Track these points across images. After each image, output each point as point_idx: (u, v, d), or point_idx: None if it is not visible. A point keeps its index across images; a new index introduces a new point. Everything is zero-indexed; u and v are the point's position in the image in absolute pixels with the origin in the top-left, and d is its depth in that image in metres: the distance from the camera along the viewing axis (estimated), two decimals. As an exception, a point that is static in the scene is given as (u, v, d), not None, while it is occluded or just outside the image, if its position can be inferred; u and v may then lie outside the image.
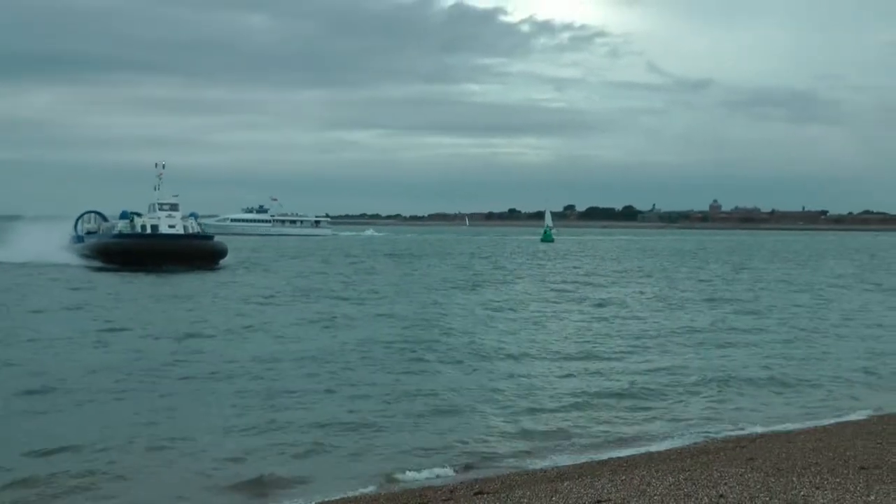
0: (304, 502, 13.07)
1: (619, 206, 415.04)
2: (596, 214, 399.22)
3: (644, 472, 12.30)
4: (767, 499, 10.07)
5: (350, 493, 13.37)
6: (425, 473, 14.50)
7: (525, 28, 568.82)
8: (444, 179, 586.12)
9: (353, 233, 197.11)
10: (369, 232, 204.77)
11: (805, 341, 30.44)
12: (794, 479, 11.18)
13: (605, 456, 15.29)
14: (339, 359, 24.90)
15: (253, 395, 19.99)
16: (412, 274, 66.09)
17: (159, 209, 72.02)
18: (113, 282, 53.91)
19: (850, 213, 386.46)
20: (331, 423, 17.52)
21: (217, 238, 75.49)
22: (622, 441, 16.66)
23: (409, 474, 14.46)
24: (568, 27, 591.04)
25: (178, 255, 66.42)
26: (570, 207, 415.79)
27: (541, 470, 14.25)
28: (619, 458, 14.93)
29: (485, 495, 11.99)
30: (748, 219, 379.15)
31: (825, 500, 9.81)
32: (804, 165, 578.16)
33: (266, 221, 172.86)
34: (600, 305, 41.92)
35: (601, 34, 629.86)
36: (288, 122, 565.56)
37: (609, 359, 25.89)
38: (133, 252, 66.44)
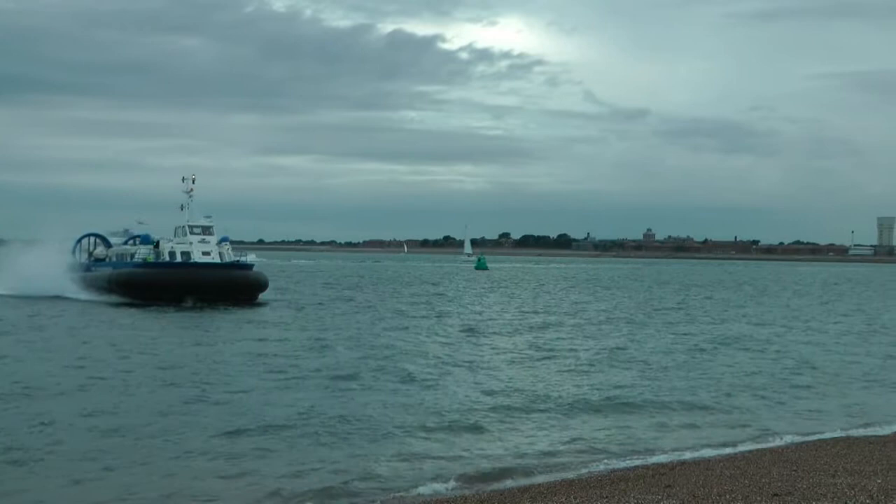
0: None
1: (553, 234, 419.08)
2: (531, 242, 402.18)
3: (563, 499, 12.41)
4: (681, 525, 10.20)
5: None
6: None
7: (464, 56, 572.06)
8: (379, 206, 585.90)
9: (281, 261, 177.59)
10: (298, 261, 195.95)
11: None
12: (710, 505, 11.35)
13: (526, 482, 15.36)
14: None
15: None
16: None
17: (191, 233, 60.25)
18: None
19: (781, 243, 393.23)
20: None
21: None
22: (543, 467, 16.73)
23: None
24: (507, 55, 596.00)
25: (216, 289, 56.44)
26: (505, 235, 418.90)
27: (461, 496, 14.28)
28: (539, 484, 15.01)
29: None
30: (681, 248, 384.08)
31: (736, 527, 9.97)
32: (737, 195, 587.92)
33: None
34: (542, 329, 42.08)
35: (539, 63, 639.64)
36: (222, 146, 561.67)
37: (533, 386, 26.02)
38: (162, 285, 55.90)
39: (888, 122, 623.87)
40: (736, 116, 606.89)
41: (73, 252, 69.99)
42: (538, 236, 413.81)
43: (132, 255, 63.22)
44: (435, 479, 15.73)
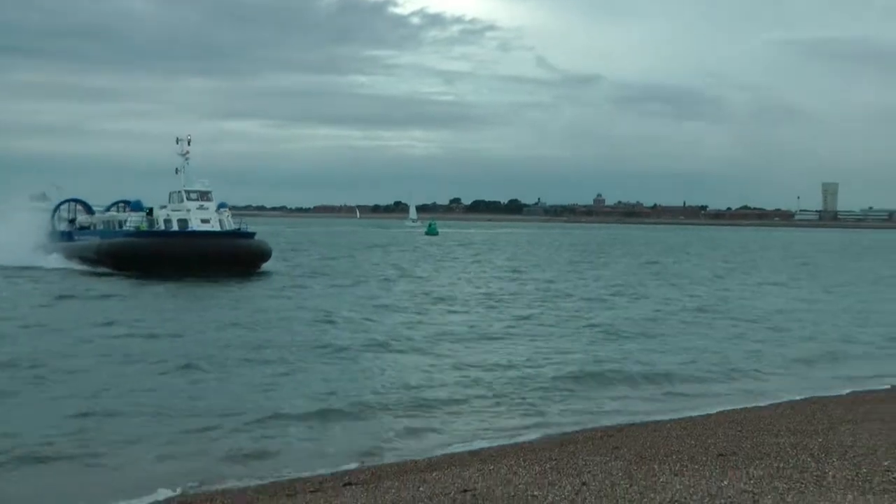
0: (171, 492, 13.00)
1: (504, 200, 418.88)
2: (481, 208, 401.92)
3: (512, 462, 12.53)
4: (628, 486, 10.34)
5: (220, 486, 13.32)
6: (297, 462, 14.60)
7: (415, 20, 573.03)
8: (330, 171, 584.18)
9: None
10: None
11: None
12: (656, 466, 11.52)
13: (476, 447, 15.53)
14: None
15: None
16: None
17: (187, 199, 55.77)
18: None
19: (729, 209, 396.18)
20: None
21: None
22: (495, 432, 16.89)
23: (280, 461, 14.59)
24: (458, 20, 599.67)
25: (217, 259, 51.63)
26: (455, 201, 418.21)
27: (411, 461, 14.40)
28: (489, 448, 15.18)
29: (353, 486, 12.10)
30: (631, 213, 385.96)
31: (682, 486, 10.12)
32: (686, 161, 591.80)
33: None
34: (490, 301, 42.23)
35: (491, 28, 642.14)
36: (172, 110, 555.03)
37: (485, 350, 26.19)
38: (158, 255, 51.25)
39: (835, 90, 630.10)
40: (687, 83, 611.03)
41: (53, 219, 64.59)
42: (489, 202, 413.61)
43: (122, 223, 58.77)
44: (377, 447, 15.88)
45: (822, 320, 36.09)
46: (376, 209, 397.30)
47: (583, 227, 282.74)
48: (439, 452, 15.06)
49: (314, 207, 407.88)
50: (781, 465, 11.05)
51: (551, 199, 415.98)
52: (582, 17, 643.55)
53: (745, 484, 10.03)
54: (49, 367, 22.02)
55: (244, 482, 13.48)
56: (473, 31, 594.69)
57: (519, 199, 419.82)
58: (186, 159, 58.23)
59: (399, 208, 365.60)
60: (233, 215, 59.35)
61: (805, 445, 12.34)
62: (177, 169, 58.05)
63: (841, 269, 74.98)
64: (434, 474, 12.17)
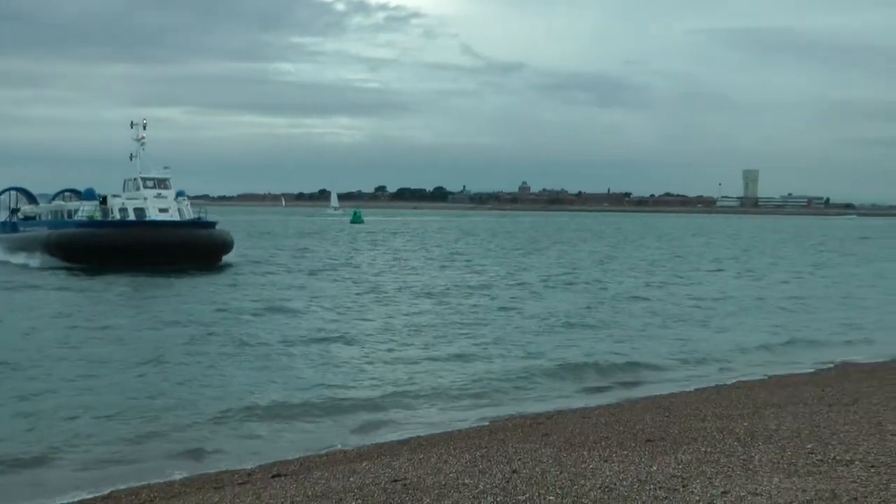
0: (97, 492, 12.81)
1: (429, 188, 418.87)
2: (407, 195, 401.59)
3: (442, 451, 12.52)
4: (558, 472, 10.36)
5: (149, 482, 13.14)
6: (225, 454, 14.46)
7: (340, 7, 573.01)
8: (254, 159, 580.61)
9: None
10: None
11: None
12: (585, 452, 11.55)
13: (406, 436, 15.51)
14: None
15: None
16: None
17: (144, 186, 52.40)
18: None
19: (653, 196, 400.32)
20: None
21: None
22: (425, 421, 16.92)
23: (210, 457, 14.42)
24: (383, 7, 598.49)
25: (177, 250, 48.76)
26: (381, 188, 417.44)
27: (340, 451, 14.35)
28: (419, 437, 15.17)
29: (282, 477, 12.02)
30: (556, 200, 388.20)
31: (612, 472, 10.17)
32: (610, 148, 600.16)
33: None
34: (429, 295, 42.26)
35: (416, 15, 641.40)
36: (91, 97, 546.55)
37: (418, 344, 26.22)
38: (112, 246, 47.86)
39: (756, 78, 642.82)
40: (610, 70, 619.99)
41: None
42: (414, 189, 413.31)
43: (72, 213, 55.27)
44: (306, 439, 15.79)
45: (760, 307, 36.72)
46: (300, 197, 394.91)
47: (509, 214, 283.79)
48: (369, 442, 15.04)
49: (238, 196, 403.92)
50: (709, 449, 11.14)
51: (476, 187, 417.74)
52: (506, 5, 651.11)
53: (673, 469, 10.10)
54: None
55: (171, 477, 13.31)
56: (398, 18, 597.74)
57: (444, 186, 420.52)
58: (142, 144, 54.76)
59: (323, 196, 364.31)
60: (192, 204, 56.34)
61: (731, 430, 12.47)
62: (131, 155, 54.81)
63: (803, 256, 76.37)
64: (364, 464, 12.12)
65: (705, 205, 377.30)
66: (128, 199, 52.46)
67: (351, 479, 11.04)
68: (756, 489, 8.84)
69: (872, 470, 9.34)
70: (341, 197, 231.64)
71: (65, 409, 17.27)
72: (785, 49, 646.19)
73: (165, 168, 54.64)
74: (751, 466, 9.99)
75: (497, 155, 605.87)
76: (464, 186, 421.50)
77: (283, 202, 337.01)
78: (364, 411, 17.66)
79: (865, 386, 16.67)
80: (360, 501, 9.68)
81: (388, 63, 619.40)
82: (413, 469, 11.21)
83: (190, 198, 57.06)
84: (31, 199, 63.25)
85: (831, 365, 22.51)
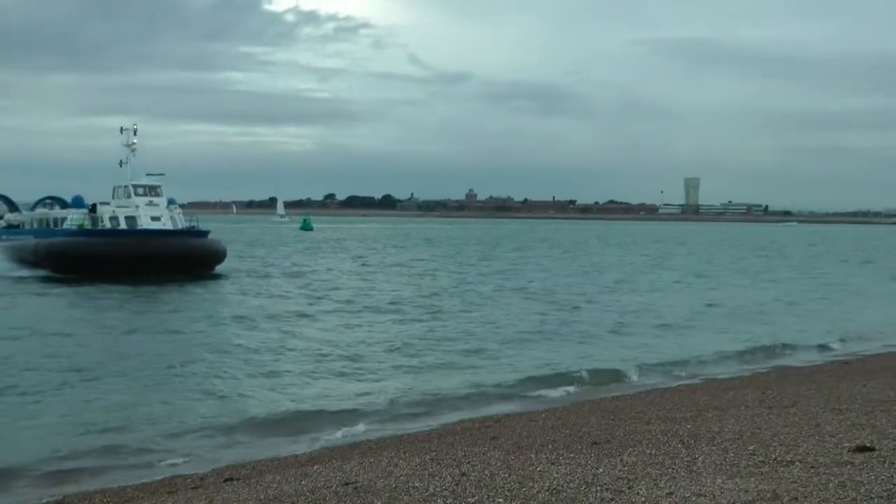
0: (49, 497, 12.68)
1: (378, 195, 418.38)
2: (356, 203, 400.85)
3: (392, 454, 12.53)
4: (506, 475, 10.40)
5: (102, 486, 13.04)
6: (179, 460, 14.39)
7: (290, 17, 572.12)
8: (205, 167, 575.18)
9: None
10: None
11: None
12: (533, 455, 11.59)
13: (357, 440, 15.50)
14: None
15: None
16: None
17: (135, 194, 50.03)
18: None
19: (597, 203, 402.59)
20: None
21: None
22: (376, 425, 16.92)
23: (162, 462, 14.33)
24: (333, 18, 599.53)
25: (170, 260, 46.92)
26: (330, 196, 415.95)
27: (292, 455, 14.32)
28: (369, 440, 15.18)
29: (234, 482, 11.97)
30: (502, 207, 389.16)
31: (559, 474, 10.22)
32: (555, 156, 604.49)
33: None
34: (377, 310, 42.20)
35: (366, 25, 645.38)
36: (40, 106, 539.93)
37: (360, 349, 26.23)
38: (104, 256, 45.64)
39: (695, 88, 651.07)
40: (553, 80, 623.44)
41: None
42: (363, 197, 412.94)
43: (59, 221, 52.33)
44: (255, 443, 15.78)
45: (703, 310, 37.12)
46: (251, 204, 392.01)
47: (456, 221, 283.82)
48: (319, 447, 15.03)
49: (189, 203, 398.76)
50: (653, 451, 11.22)
51: (424, 194, 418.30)
52: (453, 16, 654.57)
53: (619, 471, 10.17)
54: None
55: (124, 482, 13.21)
56: (347, 28, 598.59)
57: (392, 194, 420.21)
58: (133, 151, 52.59)
59: (273, 204, 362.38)
60: (183, 212, 53.91)
61: (675, 432, 12.57)
62: (121, 162, 52.73)
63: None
64: (315, 468, 12.09)
65: (648, 212, 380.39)
66: (118, 206, 49.97)
67: (302, 482, 11.02)
68: (700, 490, 8.92)
69: (812, 470, 9.46)
70: (291, 204, 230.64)
71: (23, 417, 17.13)
72: (720, 60, 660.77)
73: (159, 175, 52.47)
74: (694, 468, 10.08)
75: (444, 163, 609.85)
76: (412, 194, 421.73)
77: (235, 209, 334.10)
78: (316, 419, 17.63)
79: (804, 389, 16.85)
80: (311, 505, 9.69)
81: (338, 73, 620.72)
82: (364, 472, 11.21)
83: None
84: (12, 206, 60.39)
85: (771, 367, 22.81)
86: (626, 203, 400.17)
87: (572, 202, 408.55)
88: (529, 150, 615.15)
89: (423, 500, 9.41)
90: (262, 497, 10.42)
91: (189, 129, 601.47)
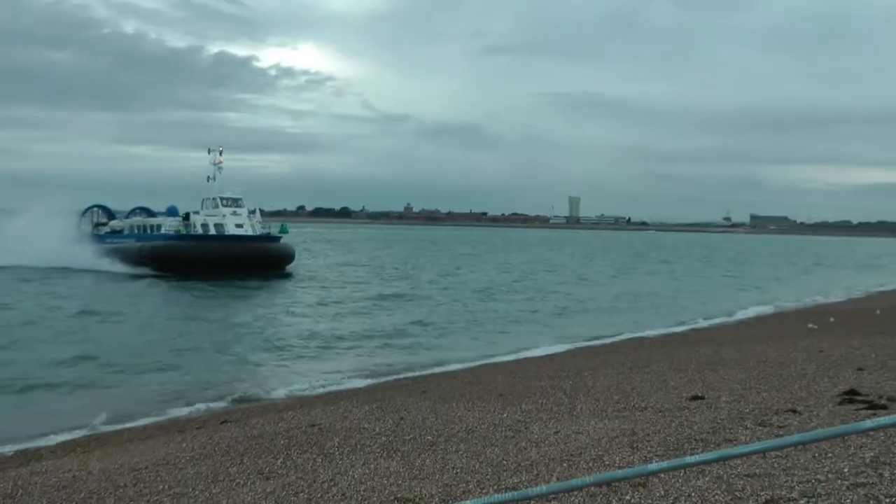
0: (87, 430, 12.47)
1: (337, 207, 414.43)
2: (321, 213, 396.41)
3: (347, 403, 12.49)
4: (434, 419, 10.43)
5: (126, 426, 12.85)
6: (188, 409, 14.21)
7: (272, 72, 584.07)
8: (205, 185, 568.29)
9: None
10: None
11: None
12: (454, 404, 11.62)
13: (320, 392, 15.42)
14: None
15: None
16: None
17: (222, 205, 47.65)
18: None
19: (503, 214, 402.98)
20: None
21: None
22: (337, 381, 16.83)
23: (176, 410, 14.15)
24: (305, 73, 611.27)
25: (252, 261, 44.31)
26: (301, 207, 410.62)
27: (272, 403, 14.22)
28: (330, 392, 15.10)
29: (229, 423, 11.87)
30: (432, 218, 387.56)
31: (473, 419, 10.28)
32: (472, 178, 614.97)
33: None
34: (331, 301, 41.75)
35: (330, 79, 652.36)
36: (84, 137, 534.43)
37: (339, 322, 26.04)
38: (198, 258, 43.11)
39: (578, 129, 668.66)
40: (472, 121, 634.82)
41: (80, 223, 53.87)
42: (326, 208, 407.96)
43: (156, 227, 49.40)
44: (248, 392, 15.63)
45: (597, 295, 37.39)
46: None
47: (396, 227, 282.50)
48: (293, 396, 14.94)
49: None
50: (544, 401, 11.31)
51: (372, 207, 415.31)
52: (396, 72, 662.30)
53: (518, 415, 10.25)
54: None
55: (144, 422, 13.15)
56: (316, 80, 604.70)
57: (348, 206, 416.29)
58: (219, 168, 49.75)
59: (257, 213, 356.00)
60: (260, 221, 50.40)
61: (561, 386, 12.65)
62: (208, 177, 49.84)
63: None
64: (289, 413, 12.04)
65: (541, 222, 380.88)
66: (207, 215, 47.51)
67: (279, 424, 10.96)
68: (578, 429, 9.03)
69: (660, 414, 9.62)
70: (272, 214, 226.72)
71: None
72: (597, 108, 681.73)
73: (238, 190, 49.73)
74: (574, 413, 10.19)
75: (388, 183, 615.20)
76: (363, 206, 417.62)
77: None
78: (292, 374, 17.61)
79: (656, 354, 17.01)
80: (286, 440, 9.63)
81: (308, 114, 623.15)
82: (326, 417, 11.18)
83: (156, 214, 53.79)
84: (110, 214, 56.94)
85: (633, 338, 23.04)
86: (525, 214, 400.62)
87: (484, 213, 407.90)
88: (453, 173, 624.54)
89: (372, 437, 9.42)
90: (250, 435, 10.34)
91: (195, 156, 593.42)
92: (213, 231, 46.35)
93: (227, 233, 46.27)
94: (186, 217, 48.07)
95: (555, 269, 61.02)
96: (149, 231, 50.30)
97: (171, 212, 50.60)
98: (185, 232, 46.69)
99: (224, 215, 47.22)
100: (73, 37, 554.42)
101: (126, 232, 52.08)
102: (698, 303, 35.39)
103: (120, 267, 45.44)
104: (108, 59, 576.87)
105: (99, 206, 57.23)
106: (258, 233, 48.18)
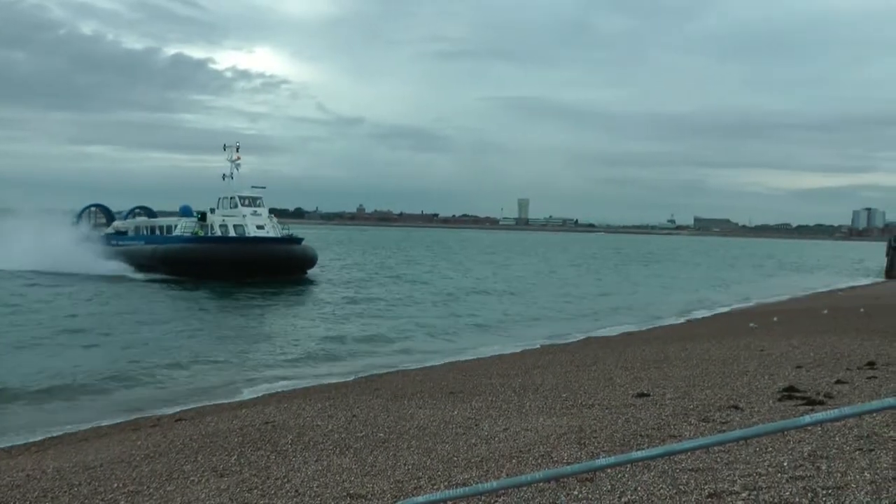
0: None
1: (292, 207, 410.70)
2: (276, 213, 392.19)
3: (301, 401, 12.43)
4: (386, 416, 10.44)
5: (83, 427, 12.63)
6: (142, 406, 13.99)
7: (229, 74, 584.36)
8: (163, 185, 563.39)
9: None
10: None
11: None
12: (406, 402, 11.64)
13: (274, 391, 15.28)
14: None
15: None
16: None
17: (241, 205, 43.23)
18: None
19: (454, 216, 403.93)
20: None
21: None
22: (290, 381, 16.74)
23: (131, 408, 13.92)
24: (261, 75, 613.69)
25: (274, 264, 40.62)
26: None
27: (226, 403, 14.07)
28: (283, 391, 15.00)
29: (183, 421, 11.76)
30: (384, 218, 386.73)
31: (425, 415, 10.31)
32: (424, 180, 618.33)
33: None
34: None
35: (285, 81, 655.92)
36: (41, 136, 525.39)
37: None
38: (218, 261, 39.32)
39: (527, 133, 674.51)
40: (424, 125, 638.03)
41: (78, 224, 49.75)
42: (281, 209, 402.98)
43: (167, 228, 45.54)
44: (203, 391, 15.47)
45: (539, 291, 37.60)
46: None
47: (350, 227, 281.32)
48: (247, 396, 14.82)
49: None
50: (494, 398, 11.37)
51: (326, 207, 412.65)
52: (351, 76, 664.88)
53: (469, 413, 10.30)
54: None
55: (100, 423, 12.92)
56: (272, 83, 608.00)
57: (302, 206, 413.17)
58: (237, 165, 45.45)
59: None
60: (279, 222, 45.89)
61: (510, 385, 12.72)
62: (224, 175, 45.69)
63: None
64: (244, 411, 11.95)
65: (491, 223, 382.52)
66: (225, 216, 43.26)
67: (234, 422, 10.88)
68: (527, 426, 9.11)
69: (607, 410, 9.74)
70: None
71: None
72: (546, 113, 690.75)
73: (261, 188, 45.47)
74: (523, 410, 10.27)
75: (341, 184, 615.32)
76: (317, 207, 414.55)
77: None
78: (247, 370, 17.47)
79: (602, 353, 17.18)
80: (240, 438, 9.57)
81: (264, 116, 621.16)
82: (280, 414, 11.12)
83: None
84: (109, 214, 53.15)
85: (581, 338, 23.25)
86: (475, 216, 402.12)
87: (435, 215, 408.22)
88: (405, 175, 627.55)
89: (324, 434, 9.40)
90: (204, 432, 10.25)
91: (152, 156, 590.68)
92: (232, 233, 42.34)
93: (247, 234, 42.17)
94: (202, 218, 44.33)
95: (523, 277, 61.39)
96: (159, 232, 46.47)
97: (185, 211, 46.57)
98: (202, 234, 43.04)
99: (244, 216, 43.04)
100: (30, 37, 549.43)
101: (132, 233, 48.49)
102: (648, 303, 35.83)
103: (126, 270, 42.21)
104: (65, 60, 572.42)
105: (97, 206, 53.94)
106: (280, 234, 44.34)
